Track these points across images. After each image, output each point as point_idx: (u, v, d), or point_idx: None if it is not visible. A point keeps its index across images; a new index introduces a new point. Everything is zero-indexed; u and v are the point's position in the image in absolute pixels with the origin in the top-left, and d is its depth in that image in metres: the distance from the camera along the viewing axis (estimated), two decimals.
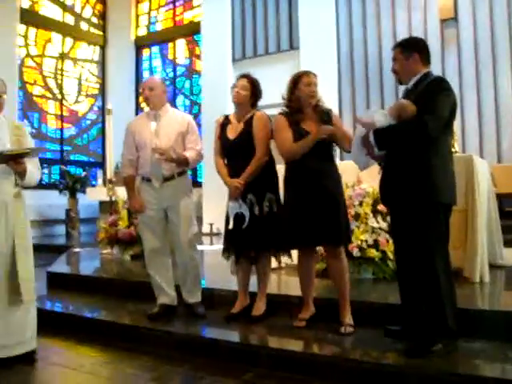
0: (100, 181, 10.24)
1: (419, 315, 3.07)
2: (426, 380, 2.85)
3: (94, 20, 13.49)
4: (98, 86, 13.51)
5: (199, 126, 4.03)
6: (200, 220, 5.93)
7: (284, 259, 4.04)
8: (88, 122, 13.30)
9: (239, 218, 3.76)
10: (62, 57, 12.73)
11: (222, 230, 4.07)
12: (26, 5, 11.75)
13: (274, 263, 4.11)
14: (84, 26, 13.26)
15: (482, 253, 4.30)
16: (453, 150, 4.87)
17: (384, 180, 3.26)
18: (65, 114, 12.75)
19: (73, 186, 10.90)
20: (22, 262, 3.50)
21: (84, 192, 10.67)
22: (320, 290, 4.05)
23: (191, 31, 12.64)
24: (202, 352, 3.58)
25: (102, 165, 12.51)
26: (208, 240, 8.06)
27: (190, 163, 4.03)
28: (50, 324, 4.46)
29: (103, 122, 12.69)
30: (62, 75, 12.70)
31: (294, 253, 3.90)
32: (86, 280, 5.47)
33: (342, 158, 6.93)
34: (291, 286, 4.70)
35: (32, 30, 12.06)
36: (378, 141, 3.08)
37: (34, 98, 12.12)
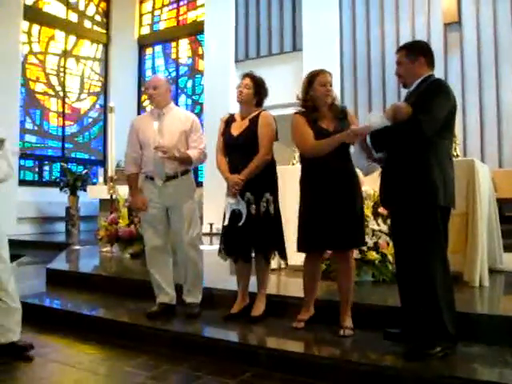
0: (101, 179, 10.25)
1: (418, 318, 3.07)
2: (424, 383, 2.84)
3: (98, 18, 13.50)
4: (100, 84, 13.52)
5: (201, 125, 4.04)
6: (200, 220, 5.94)
7: (276, 260, 4.03)
8: (90, 120, 13.30)
9: (235, 216, 3.75)
10: (65, 54, 12.73)
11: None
12: (29, 2, 11.76)
13: (273, 264, 4.11)
14: (87, 23, 13.27)
15: (482, 257, 4.30)
16: (454, 153, 4.90)
17: (383, 182, 3.27)
18: (67, 111, 12.76)
19: (73, 184, 10.90)
20: None
21: (85, 190, 10.68)
22: (320, 292, 4.04)
23: (194, 31, 12.65)
24: (200, 351, 3.58)
25: (103, 163, 12.52)
26: (208, 240, 8.08)
27: (193, 162, 4.03)
28: (48, 321, 4.48)
29: (105, 120, 12.72)
30: (64, 73, 12.70)
31: (291, 255, 3.90)
32: (85, 278, 5.47)
33: None
34: (290, 286, 4.72)
35: (35, 27, 12.07)
36: (375, 143, 3.10)
37: (37, 95, 12.12)
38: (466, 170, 4.35)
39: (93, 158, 13.28)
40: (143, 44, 13.75)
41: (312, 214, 3.51)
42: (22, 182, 11.19)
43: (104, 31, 13.59)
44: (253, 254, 3.89)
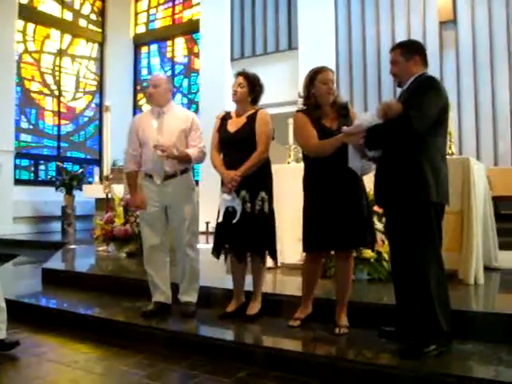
0: (96, 178, 10.25)
1: (413, 316, 3.08)
2: (420, 381, 2.85)
3: (93, 17, 13.46)
4: (95, 83, 13.49)
5: None
6: None
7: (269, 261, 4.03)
8: (85, 119, 13.27)
9: (229, 213, 3.74)
10: (61, 53, 12.70)
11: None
12: (24, 0, 11.71)
13: (269, 263, 4.11)
14: (83, 22, 13.23)
15: (477, 255, 4.31)
16: (449, 151, 4.92)
17: (377, 181, 3.27)
18: (62, 110, 12.72)
19: (69, 183, 10.87)
20: None
21: (80, 189, 10.66)
22: (316, 290, 4.04)
23: (190, 30, 12.62)
24: (196, 350, 3.58)
25: (98, 162, 12.49)
26: (204, 238, 8.08)
27: (192, 161, 4.03)
28: (44, 320, 4.47)
29: (100, 120, 12.68)
30: (59, 72, 12.66)
31: (287, 253, 3.90)
32: (81, 277, 5.47)
33: None
34: (287, 285, 4.72)
35: (30, 26, 12.03)
36: (368, 141, 3.11)
37: (32, 94, 12.08)
38: (461, 169, 4.36)
39: (88, 157, 13.25)
40: (139, 43, 13.72)
41: (318, 213, 3.48)
42: (18, 182, 11.16)
43: (99, 30, 13.55)
44: (247, 253, 3.89)
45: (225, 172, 3.78)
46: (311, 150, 3.52)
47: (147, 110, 4.39)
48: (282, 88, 9.58)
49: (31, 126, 12.01)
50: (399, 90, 3.36)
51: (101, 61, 13.54)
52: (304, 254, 4.38)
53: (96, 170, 11.14)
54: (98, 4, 13.57)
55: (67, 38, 12.85)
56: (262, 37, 10.74)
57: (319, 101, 3.54)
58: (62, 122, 12.72)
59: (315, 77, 3.54)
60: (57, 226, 11.13)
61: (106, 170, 7.44)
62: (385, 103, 3.15)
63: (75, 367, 3.43)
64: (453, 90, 8.71)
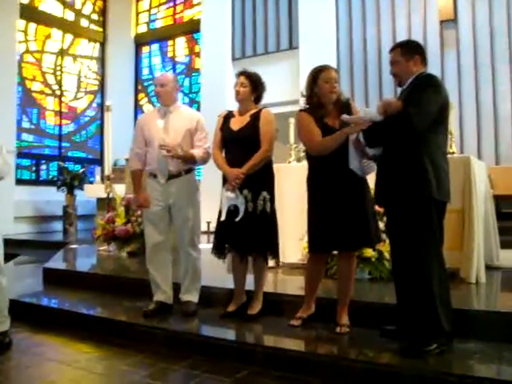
0: (98, 178, 10.25)
1: (414, 315, 3.08)
2: (421, 380, 2.85)
3: (94, 17, 13.46)
4: (97, 82, 13.49)
5: None
6: None
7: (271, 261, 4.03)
8: (87, 119, 13.26)
9: (232, 212, 3.73)
10: (62, 53, 12.70)
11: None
12: (25, 0, 11.71)
13: (270, 262, 4.11)
14: (84, 22, 13.23)
15: (479, 254, 4.31)
16: (450, 150, 4.91)
17: (378, 179, 3.27)
18: (64, 110, 12.71)
19: (70, 183, 10.88)
20: None
21: (82, 189, 10.66)
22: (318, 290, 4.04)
23: (191, 29, 12.61)
24: (197, 350, 3.57)
25: (100, 162, 12.49)
26: (205, 238, 8.08)
27: (197, 161, 4.03)
28: (45, 320, 4.47)
29: (102, 119, 12.66)
30: (61, 71, 12.66)
31: (288, 253, 3.89)
32: (82, 276, 5.47)
33: None
34: (288, 284, 4.72)
35: (32, 26, 12.02)
36: (367, 138, 3.11)
37: (33, 94, 12.08)
38: (462, 167, 4.36)
39: (90, 156, 13.24)
40: (140, 42, 13.71)
41: (323, 214, 3.46)
42: (19, 181, 11.17)
43: (101, 30, 13.55)
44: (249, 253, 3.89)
45: (228, 170, 3.77)
46: (315, 147, 3.49)
47: (154, 108, 4.40)
48: (283, 87, 9.57)
49: (33, 126, 12.01)
50: (400, 90, 3.35)
51: (102, 60, 13.54)
52: (306, 253, 4.39)
53: (97, 169, 11.12)
54: (100, 3, 13.56)
55: (68, 37, 12.85)
56: (263, 36, 10.73)
57: (322, 100, 3.52)
58: (64, 121, 12.71)
59: (318, 75, 3.53)
60: (58, 225, 11.14)
61: (108, 170, 7.45)
62: (385, 100, 3.16)
63: (76, 367, 3.43)
64: (454, 89, 8.69)
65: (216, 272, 4.80)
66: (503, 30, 8.65)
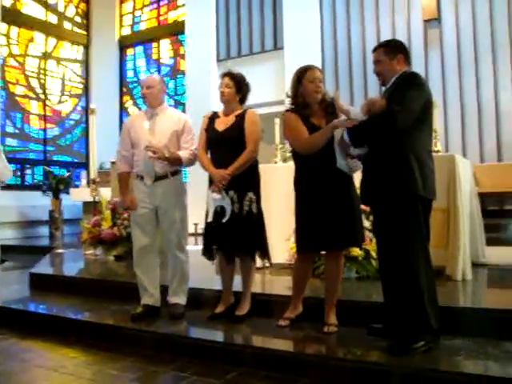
0: (84, 181, 10.18)
1: (401, 313, 3.09)
2: (409, 377, 2.86)
3: (78, 19, 13.39)
4: (81, 85, 13.41)
5: None
6: None
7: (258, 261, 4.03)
8: (71, 123, 13.18)
9: (218, 213, 3.73)
10: (45, 56, 12.61)
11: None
12: (7, 3, 11.62)
13: (258, 263, 4.11)
14: (67, 25, 13.15)
15: (465, 251, 4.34)
16: (435, 149, 4.95)
17: (364, 178, 3.28)
18: (48, 114, 12.63)
19: (56, 187, 10.80)
20: None
21: (67, 193, 10.59)
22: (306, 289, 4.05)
23: (175, 31, 12.59)
24: (185, 352, 3.56)
25: (85, 165, 12.42)
26: (193, 240, 8.07)
27: (183, 163, 4.02)
28: (32, 325, 4.43)
29: (87, 123, 12.60)
30: (45, 75, 12.58)
31: (275, 253, 3.89)
32: (69, 281, 5.44)
33: None
34: (275, 285, 4.72)
35: (14, 29, 11.94)
36: (352, 138, 3.12)
37: (17, 98, 11.98)
38: (446, 166, 4.39)
39: (75, 160, 13.17)
40: (124, 45, 13.66)
41: (310, 214, 3.46)
42: (4, 186, 11.02)
43: (84, 32, 13.48)
44: (236, 254, 3.89)
45: (214, 171, 3.76)
46: (302, 146, 3.49)
47: (141, 110, 4.39)
48: (269, 88, 9.59)
49: (17, 131, 11.91)
50: (384, 89, 3.37)
51: (86, 63, 13.48)
52: (293, 253, 4.40)
53: (83, 173, 11.05)
54: (83, 6, 13.49)
55: (52, 40, 12.77)
56: (248, 37, 10.74)
57: (307, 99, 3.53)
58: (48, 125, 12.63)
59: (302, 76, 3.53)
60: (44, 230, 11.05)
61: (93, 173, 7.41)
62: (369, 100, 3.17)
63: (63, 372, 3.41)
64: (438, 88, 8.76)
65: (204, 274, 4.79)
66: (486, 29, 8.73)
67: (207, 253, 3.90)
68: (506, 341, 3.13)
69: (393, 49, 3.25)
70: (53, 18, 12.82)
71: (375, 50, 3.32)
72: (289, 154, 5.83)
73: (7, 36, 11.77)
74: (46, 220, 10.88)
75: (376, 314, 3.43)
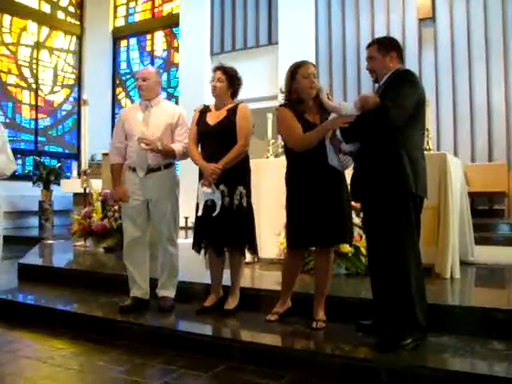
0: (74, 172, 10.15)
1: (390, 310, 3.11)
2: (396, 374, 2.87)
3: (71, 9, 13.31)
4: (74, 76, 13.34)
5: None
6: None
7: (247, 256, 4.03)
8: (63, 113, 13.12)
9: (209, 207, 3.72)
10: (38, 46, 12.52)
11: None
12: None
13: (248, 257, 4.11)
14: (61, 15, 13.06)
15: (454, 250, 4.37)
16: (427, 147, 4.96)
17: (355, 174, 3.29)
18: (40, 104, 12.56)
19: (47, 178, 10.75)
20: None
21: (58, 184, 10.54)
22: (295, 285, 4.06)
23: (170, 23, 12.55)
24: (174, 345, 3.56)
25: (76, 156, 12.37)
26: (183, 233, 8.06)
27: (176, 156, 4.01)
28: (20, 316, 4.42)
29: (79, 114, 12.54)
30: (37, 65, 12.50)
31: (265, 248, 3.89)
32: (58, 272, 5.42)
33: None
34: (264, 280, 4.72)
35: (6, 18, 11.84)
36: (344, 133, 3.12)
37: (8, 88, 11.90)
38: (438, 164, 4.40)
39: (66, 151, 13.11)
40: (118, 36, 13.59)
41: (301, 210, 3.46)
42: None
43: (78, 23, 13.40)
44: (226, 248, 3.89)
45: (205, 164, 3.74)
46: (296, 142, 3.46)
47: (136, 102, 4.37)
48: (262, 83, 9.58)
49: (8, 120, 11.84)
50: (377, 86, 3.37)
51: (79, 54, 13.40)
52: (283, 248, 4.41)
53: (74, 164, 11.02)
54: None
55: (45, 30, 12.68)
56: (242, 31, 10.72)
57: (301, 95, 3.50)
58: (40, 115, 12.57)
59: (296, 71, 3.50)
60: (34, 221, 11.01)
61: (84, 165, 7.38)
62: (362, 96, 3.18)
63: (51, 363, 3.39)
64: (431, 87, 8.80)
65: (193, 267, 4.80)
66: (480, 29, 8.77)
67: (197, 246, 3.90)
68: (492, 339, 3.15)
69: (386, 46, 3.25)
70: (46, 7, 12.74)
71: (369, 46, 3.31)
72: (281, 150, 5.83)
73: None
74: (35, 211, 10.84)
75: (365, 310, 3.45)
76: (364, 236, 3.76)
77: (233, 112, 3.82)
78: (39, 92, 12.53)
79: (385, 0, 9.46)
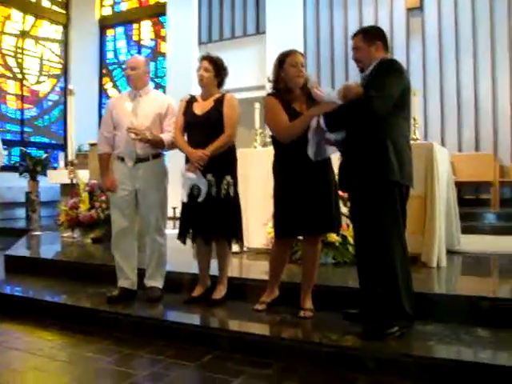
0: (61, 163, 10.06)
1: (376, 298, 3.14)
2: (383, 362, 2.90)
3: None
4: (60, 66, 13.20)
5: None
6: None
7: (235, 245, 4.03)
8: (50, 103, 13.00)
9: (194, 194, 3.72)
10: (23, 35, 12.37)
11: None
12: None
13: (235, 247, 4.12)
14: (46, 3, 12.90)
15: (440, 238, 4.40)
16: (414, 137, 4.99)
17: (342, 165, 3.29)
18: (25, 94, 12.43)
19: (33, 169, 10.65)
20: None
21: (45, 174, 10.45)
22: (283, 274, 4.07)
23: (157, 12, 12.44)
24: (161, 335, 3.57)
25: (63, 147, 12.27)
26: (171, 224, 8.04)
27: (165, 146, 3.99)
28: (8, 308, 4.40)
29: (65, 104, 12.43)
30: (22, 54, 12.35)
31: (252, 238, 3.89)
32: (45, 263, 5.38)
33: None
34: (252, 269, 4.74)
35: None
36: (328, 122, 3.12)
37: None
38: (424, 154, 4.43)
39: (53, 142, 13.00)
40: (104, 25, 13.46)
41: (289, 200, 3.46)
42: None
43: (64, 11, 13.24)
44: (213, 237, 3.89)
45: (191, 150, 3.73)
46: (282, 132, 3.46)
47: (124, 92, 4.34)
48: (250, 72, 9.56)
49: None
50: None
51: (65, 43, 13.26)
52: (270, 238, 4.42)
53: (61, 155, 10.91)
54: None
55: (30, 19, 12.52)
56: (230, 21, 10.66)
57: (289, 84, 3.49)
58: (26, 106, 12.44)
59: (284, 60, 3.50)
60: (21, 212, 10.93)
61: (71, 155, 7.33)
62: (345, 85, 3.18)
63: (39, 355, 3.39)
64: (419, 76, 8.82)
65: (181, 257, 4.79)
66: (468, 19, 8.79)
67: (182, 237, 3.89)
68: (478, 327, 3.20)
69: (371, 35, 3.26)
70: None
71: (354, 36, 3.32)
72: (268, 139, 5.82)
73: None
74: (22, 202, 10.75)
75: (351, 299, 3.47)
76: (351, 225, 3.78)
77: (220, 102, 3.81)
78: (25, 82, 12.39)
79: None
